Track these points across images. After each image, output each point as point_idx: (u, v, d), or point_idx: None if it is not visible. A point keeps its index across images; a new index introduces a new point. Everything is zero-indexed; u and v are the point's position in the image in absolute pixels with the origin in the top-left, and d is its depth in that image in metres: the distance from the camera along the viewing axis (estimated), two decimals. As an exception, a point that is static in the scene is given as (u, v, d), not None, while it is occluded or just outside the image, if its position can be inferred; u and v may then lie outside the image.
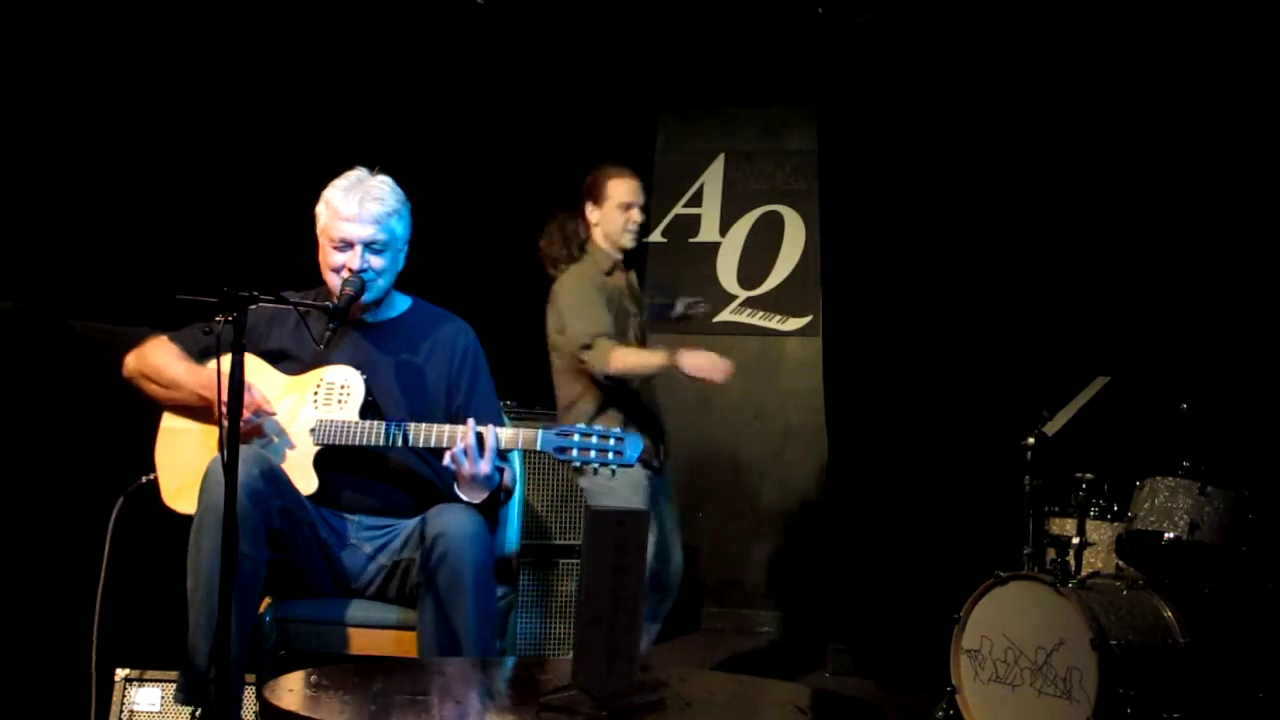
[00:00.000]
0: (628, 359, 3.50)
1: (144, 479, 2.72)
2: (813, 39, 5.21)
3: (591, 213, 3.67)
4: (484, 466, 2.53)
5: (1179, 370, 3.89)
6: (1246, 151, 4.24)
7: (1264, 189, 4.19)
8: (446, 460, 2.55)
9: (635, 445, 2.54)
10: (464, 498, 2.61)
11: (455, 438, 2.56)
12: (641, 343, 3.72)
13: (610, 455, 2.52)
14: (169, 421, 2.77)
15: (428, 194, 2.87)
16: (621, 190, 3.65)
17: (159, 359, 2.72)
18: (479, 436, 2.53)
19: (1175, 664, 3.32)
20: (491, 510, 2.73)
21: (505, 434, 2.57)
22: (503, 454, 2.67)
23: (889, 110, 5.03)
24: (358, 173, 2.76)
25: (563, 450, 2.53)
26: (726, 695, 2.29)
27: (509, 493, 2.86)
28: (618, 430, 2.55)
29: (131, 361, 2.76)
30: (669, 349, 3.53)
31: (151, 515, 2.67)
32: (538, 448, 2.55)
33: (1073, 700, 3.16)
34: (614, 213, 3.64)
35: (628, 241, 3.69)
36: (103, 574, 2.62)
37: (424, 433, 2.60)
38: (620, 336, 3.58)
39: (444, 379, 2.80)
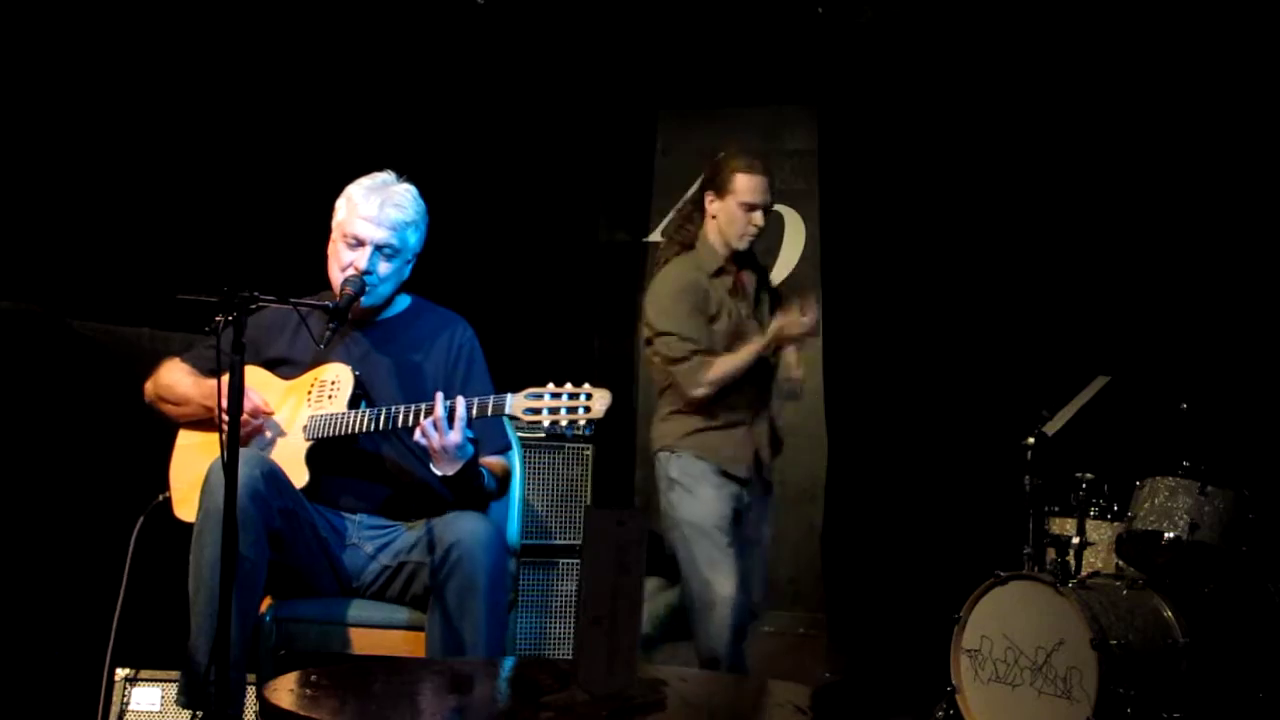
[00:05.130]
0: (714, 372, 3.21)
1: (161, 497, 2.76)
2: (813, 39, 5.20)
3: (711, 204, 3.35)
4: (454, 436, 2.49)
5: (1179, 370, 3.88)
6: (1246, 151, 4.23)
7: (1264, 189, 4.18)
8: (417, 435, 2.53)
9: (605, 400, 2.37)
10: (438, 473, 2.57)
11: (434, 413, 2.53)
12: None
13: (580, 411, 2.38)
14: (183, 438, 2.83)
15: (426, 193, 2.88)
16: (749, 188, 3.30)
17: (170, 378, 2.81)
18: (449, 409, 2.49)
19: (1175, 664, 3.32)
20: (479, 502, 2.71)
21: (476, 401, 2.52)
22: (487, 451, 2.70)
23: (889, 110, 5.02)
24: (385, 175, 2.80)
25: (534, 412, 2.41)
26: (726, 695, 2.29)
27: (503, 485, 2.84)
28: (587, 387, 2.39)
29: (149, 386, 2.84)
30: (757, 338, 3.23)
31: (161, 527, 2.70)
32: (507, 411, 2.46)
33: (1073, 700, 3.16)
34: (736, 211, 3.31)
35: (743, 245, 3.36)
36: (122, 591, 2.67)
37: (404, 413, 2.58)
38: (729, 340, 3.28)
39: (440, 376, 2.81)
